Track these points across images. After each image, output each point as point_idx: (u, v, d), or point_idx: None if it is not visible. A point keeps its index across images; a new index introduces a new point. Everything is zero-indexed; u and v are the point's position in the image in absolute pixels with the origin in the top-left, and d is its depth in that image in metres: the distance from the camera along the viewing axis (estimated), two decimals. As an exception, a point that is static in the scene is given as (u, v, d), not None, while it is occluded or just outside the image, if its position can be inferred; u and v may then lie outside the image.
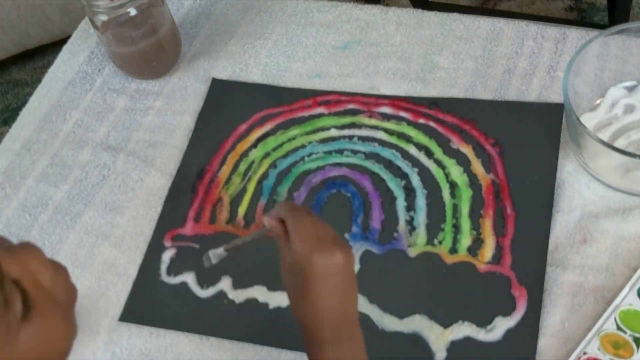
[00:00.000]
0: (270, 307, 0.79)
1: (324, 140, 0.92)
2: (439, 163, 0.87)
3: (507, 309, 0.75)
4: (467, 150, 0.87)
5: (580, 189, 0.82)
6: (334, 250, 0.58)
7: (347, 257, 0.58)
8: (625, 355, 0.69)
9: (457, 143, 0.88)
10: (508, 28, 0.98)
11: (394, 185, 0.86)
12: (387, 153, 0.89)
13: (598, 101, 0.86)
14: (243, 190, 0.89)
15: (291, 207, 0.62)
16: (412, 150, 0.89)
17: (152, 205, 0.90)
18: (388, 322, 0.76)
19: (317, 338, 0.59)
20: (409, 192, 0.85)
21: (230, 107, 0.97)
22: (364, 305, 0.77)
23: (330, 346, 0.59)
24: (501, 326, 0.74)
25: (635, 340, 0.70)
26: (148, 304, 0.82)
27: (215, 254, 0.67)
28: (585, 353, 0.70)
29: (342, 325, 0.59)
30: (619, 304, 0.72)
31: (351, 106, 0.94)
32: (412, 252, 0.80)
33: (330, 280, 0.58)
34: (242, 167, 0.91)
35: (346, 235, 0.83)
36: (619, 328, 0.71)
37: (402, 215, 0.84)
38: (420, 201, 0.84)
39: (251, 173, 0.90)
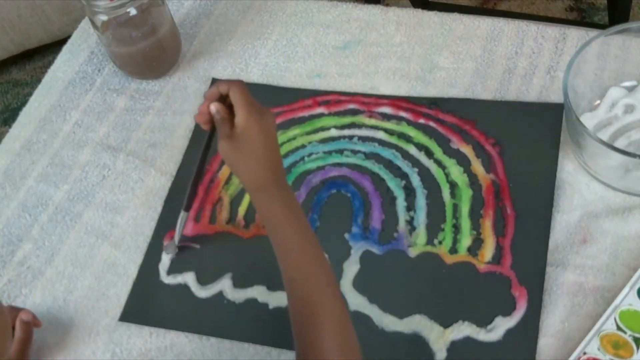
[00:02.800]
0: (270, 307, 0.79)
1: (324, 140, 0.92)
2: (439, 163, 0.87)
3: (507, 309, 0.75)
4: (467, 150, 0.87)
5: (580, 189, 0.82)
6: (267, 112, 0.71)
7: (274, 116, 0.72)
8: (625, 355, 0.69)
9: (457, 143, 0.88)
10: (508, 28, 0.98)
11: (394, 185, 0.86)
12: (387, 153, 0.89)
13: (598, 101, 0.86)
14: (243, 190, 0.89)
15: (229, 81, 0.71)
16: (412, 150, 0.89)
17: (152, 205, 0.90)
18: (388, 322, 0.76)
19: (264, 185, 0.70)
20: (409, 192, 0.85)
21: (230, 107, 0.97)
22: (364, 305, 0.77)
23: (276, 188, 0.70)
24: (501, 326, 0.74)
25: (635, 340, 0.70)
26: (148, 304, 0.82)
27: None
28: (585, 353, 0.70)
29: (280, 173, 0.72)
30: (619, 304, 0.72)
31: (351, 106, 0.94)
32: (412, 252, 0.80)
33: (268, 135, 0.71)
34: (242, 167, 0.91)
35: (346, 235, 0.83)
36: (618, 328, 0.71)
37: (402, 215, 0.84)
38: (420, 201, 0.84)
39: (251, 173, 0.90)
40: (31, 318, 0.77)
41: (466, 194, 0.84)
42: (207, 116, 0.71)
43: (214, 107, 0.70)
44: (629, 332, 0.70)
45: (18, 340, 0.75)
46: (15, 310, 0.77)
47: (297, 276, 0.68)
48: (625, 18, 1.41)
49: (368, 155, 0.89)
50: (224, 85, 0.71)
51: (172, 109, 0.99)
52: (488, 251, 0.79)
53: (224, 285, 0.81)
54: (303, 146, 0.92)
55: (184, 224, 0.83)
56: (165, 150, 0.95)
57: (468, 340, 0.74)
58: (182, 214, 0.82)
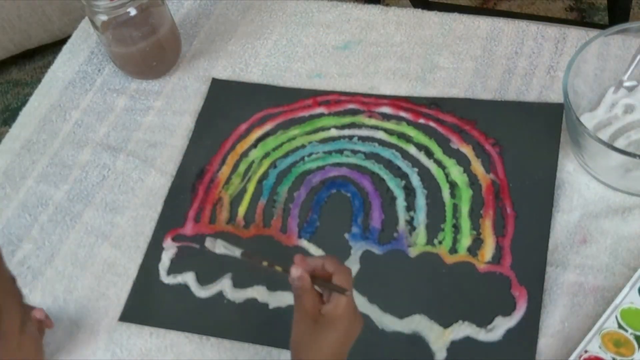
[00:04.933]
0: (270, 307, 0.79)
1: (324, 140, 0.92)
2: (439, 163, 0.87)
3: (507, 309, 0.75)
4: (467, 150, 0.87)
5: (580, 189, 0.82)
6: (359, 320, 0.66)
7: (362, 326, 0.66)
8: (627, 353, 0.69)
9: (457, 143, 0.88)
10: (508, 28, 0.98)
11: (394, 185, 0.86)
12: (387, 153, 0.89)
13: (598, 101, 0.86)
14: (243, 190, 0.89)
15: (339, 266, 0.66)
16: (412, 150, 0.89)
17: (152, 205, 0.90)
18: (388, 322, 0.76)
19: None
20: (409, 192, 0.85)
21: (230, 107, 0.97)
22: (364, 305, 0.77)
23: None
24: (501, 326, 0.74)
25: (637, 338, 0.70)
26: (148, 304, 0.82)
27: (225, 248, 0.71)
28: (586, 351, 0.70)
29: None
30: (620, 303, 0.72)
31: (351, 106, 0.94)
32: (412, 252, 0.80)
33: (349, 338, 0.65)
34: (242, 167, 0.91)
35: (346, 235, 0.83)
36: (620, 326, 0.71)
37: (402, 215, 0.83)
38: (420, 201, 0.84)
39: (251, 173, 0.90)
40: (44, 317, 0.76)
41: (466, 194, 0.84)
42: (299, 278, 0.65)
43: (296, 275, 0.64)
44: (630, 330, 0.70)
45: None
46: (29, 308, 0.76)
47: None
48: (625, 18, 1.41)
49: (368, 155, 0.89)
50: (331, 265, 0.65)
51: (172, 109, 0.99)
52: (488, 251, 0.79)
53: (224, 285, 0.81)
54: (303, 146, 0.92)
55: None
56: (165, 150, 0.95)
57: (468, 340, 0.74)
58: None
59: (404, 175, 0.87)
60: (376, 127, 0.92)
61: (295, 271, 0.64)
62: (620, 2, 1.41)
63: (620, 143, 0.82)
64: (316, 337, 0.64)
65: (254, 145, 0.93)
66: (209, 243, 0.71)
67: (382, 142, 0.90)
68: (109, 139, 0.98)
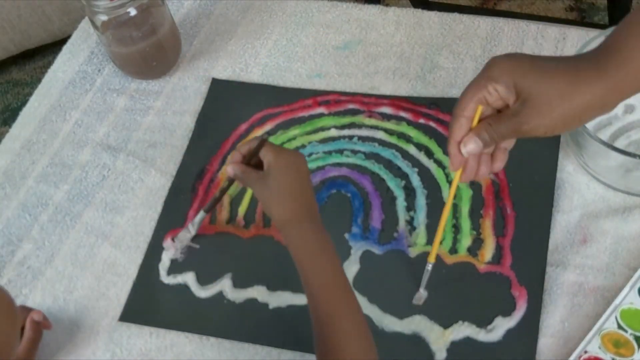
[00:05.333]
0: (270, 307, 0.79)
1: (324, 140, 0.92)
2: (439, 163, 0.87)
3: (507, 309, 0.75)
4: (467, 150, 0.87)
5: (580, 189, 0.82)
6: (294, 153, 0.75)
7: (304, 157, 0.75)
8: (626, 354, 0.69)
9: (457, 143, 0.88)
10: (508, 28, 0.98)
11: (394, 185, 0.86)
12: (387, 153, 0.89)
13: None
14: (243, 190, 0.89)
15: (249, 141, 0.76)
16: (412, 150, 0.89)
17: (152, 205, 0.90)
18: (388, 322, 0.76)
19: (294, 219, 0.71)
20: (409, 192, 0.85)
21: (230, 107, 0.97)
22: (364, 305, 0.77)
23: (306, 223, 0.71)
24: (501, 326, 0.74)
25: (636, 339, 0.70)
26: (148, 304, 0.82)
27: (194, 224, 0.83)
28: (586, 352, 0.70)
29: (311, 209, 0.72)
30: (620, 303, 0.72)
31: (351, 106, 0.94)
32: (412, 252, 0.80)
33: (298, 171, 0.73)
34: (242, 167, 0.91)
35: (346, 235, 0.83)
36: (619, 327, 0.71)
37: (402, 215, 0.83)
38: (420, 201, 0.84)
39: (251, 173, 0.90)
40: (42, 318, 0.77)
41: (466, 194, 0.84)
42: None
43: (230, 169, 0.75)
44: (630, 331, 0.70)
45: (27, 340, 0.75)
46: (27, 310, 0.78)
47: (323, 312, 0.66)
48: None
49: (368, 155, 0.89)
50: (244, 146, 0.76)
51: (172, 109, 0.99)
52: (488, 251, 0.79)
53: (224, 285, 0.81)
54: (303, 146, 0.92)
55: (199, 224, 0.83)
56: (165, 150, 0.95)
57: (468, 341, 0.74)
58: (202, 213, 0.82)
59: (404, 175, 0.87)
60: (376, 127, 0.92)
61: (230, 169, 0.75)
62: (620, 2, 1.41)
63: (620, 143, 0.82)
64: (270, 188, 0.72)
65: (254, 145, 0.93)
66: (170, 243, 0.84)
67: (382, 142, 0.90)
68: (109, 139, 0.98)
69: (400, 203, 0.85)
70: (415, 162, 0.88)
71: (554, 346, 0.72)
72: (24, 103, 1.05)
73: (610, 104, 0.61)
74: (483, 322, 0.74)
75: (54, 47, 1.63)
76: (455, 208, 0.83)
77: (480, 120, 0.64)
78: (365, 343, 0.65)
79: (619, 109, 0.84)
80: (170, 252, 0.84)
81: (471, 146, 0.64)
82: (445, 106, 0.91)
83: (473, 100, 0.63)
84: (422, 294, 0.76)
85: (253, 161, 0.75)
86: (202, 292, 0.81)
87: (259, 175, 0.73)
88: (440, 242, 0.80)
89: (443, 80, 0.94)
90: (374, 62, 0.98)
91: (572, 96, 0.59)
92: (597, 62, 0.60)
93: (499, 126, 0.63)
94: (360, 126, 0.92)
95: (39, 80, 1.07)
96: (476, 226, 0.81)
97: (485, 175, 0.68)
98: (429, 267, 0.75)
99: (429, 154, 0.88)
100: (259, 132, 0.94)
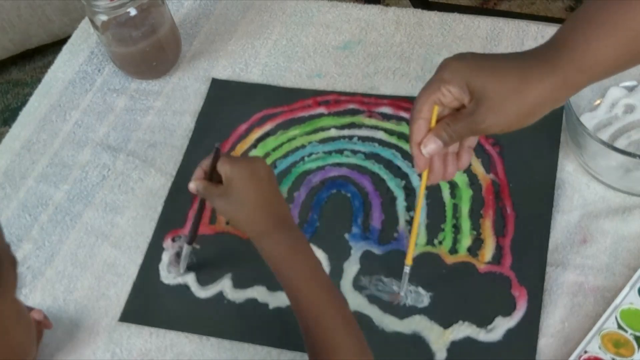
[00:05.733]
0: (270, 307, 0.79)
1: (324, 140, 0.92)
2: (439, 163, 0.87)
3: (507, 309, 0.75)
4: (467, 150, 0.87)
5: (580, 189, 0.82)
6: (255, 160, 0.74)
7: (264, 162, 0.73)
8: (626, 354, 0.69)
9: (457, 143, 0.88)
10: (508, 28, 0.98)
11: (394, 185, 0.86)
12: (387, 153, 0.89)
13: (598, 101, 0.86)
14: (243, 190, 0.89)
15: (204, 161, 0.74)
16: (412, 150, 0.89)
17: (152, 205, 0.90)
18: (388, 322, 0.76)
19: (264, 230, 0.69)
20: (409, 192, 0.85)
21: (230, 107, 0.97)
22: (364, 305, 0.77)
23: (277, 233, 0.69)
24: (501, 326, 0.74)
25: (636, 339, 0.70)
26: (148, 304, 0.82)
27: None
28: (586, 352, 0.70)
29: (281, 216, 0.70)
30: (620, 303, 0.72)
31: (351, 106, 0.94)
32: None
33: (259, 180, 0.71)
34: (242, 167, 0.91)
35: (346, 235, 0.83)
36: (619, 327, 0.71)
37: (402, 215, 0.83)
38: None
39: (251, 173, 0.90)
40: (42, 317, 0.77)
41: (466, 194, 0.84)
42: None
43: (192, 185, 0.73)
44: (630, 331, 0.70)
45: None
46: (27, 309, 0.77)
47: (308, 315, 0.66)
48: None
49: (368, 155, 0.89)
50: (205, 161, 0.73)
51: (172, 109, 0.99)
52: (488, 251, 0.79)
53: (224, 285, 0.81)
54: (303, 146, 0.92)
55: (188, 256, 0.82)
56: (165, 150, 0.95)
57: (468, 341, 0.74)
58: (186, 247, 0.80)
59: (404, 175, 0.87)
60: (376, 127, 0.92)
61: (192, 185, 0.73)
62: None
63: (620, 143, 0.82)
64: (232, 203, 0.70)
65: (254, 145, 0.93)
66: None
67: (382, 142, 0.90)
68: (109, 139, 0.98)
69: (400, 203, 0.85)
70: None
71: (554, 346, 0.72)
72: (24, 103, 1.05)
73: (561, 99, 0.62)
74: (483, 322, 0.74)
75: (54, 47, 1.63)
76: (455, 208, 0.83)
77: (438, 121, 0.65)
78: (355, 338, 0.65)
79: (619, 109, 0.84)
80: (172, 273, 0.83)
81: (431, 146, 0.65)
82: (445, 106, 0.91)
83: (428, 102, 0.64)
84: (400, 296, 0.76)
85: (215, 176, 0.73)
86: (202, 292, 0.81)
87: (220, 190, 0.71)
88: (440, 242, 0.81)
89: (443, 80, 0.94)
90: (374, 62, 0.98)
91: (524, 93, 0.60)
92: (546, 57, 0.61)
93: (456, 125, 0.64)
94: (360, 126, 0.92)
95: (39, 80, 1.07)
96: (476, 226, 0.81)
97: (453, 175, 0.69)
98: (407, 270, 0.74)
99: (429, 154, 0.88)
100: (259, 132, 0.94)
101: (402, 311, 0.76)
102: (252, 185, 0.70)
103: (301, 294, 0.67)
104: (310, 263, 0.69)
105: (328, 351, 0.64)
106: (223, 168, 0.71)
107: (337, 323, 0.65)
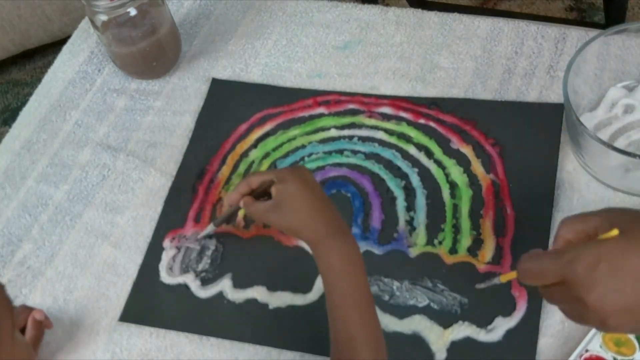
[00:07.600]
0: (270, 307, 0.79)
1: (324, 140, 0.92)
2: (439, 163, 0.87)
3: (507, 309, 0.75)
4: (467, 150, 0.87)
5: (580, 189, 0.82)
6: (299, 168, 0.75)
7: (307, 170, 0.74)
8: (628, 352, 0.69)
9: (457, 143, 0.88)
10: (508, 28, 0.98)
11: (394, 185, 0.86)
12: (387, 153, 0.89)
13: (598, 101, 0.86)
14: (243, 190, 0.89)
15: (256, 176, 0.76)
16: (412, 150, 0.89)
17: (152, 205, 0.90)
18: (388, 322, 0.76)
19: (321, 237, 0.69)
20: (409, 192, 0.85)
21: (230, 107, 0.97)
22: (364, 305, 0.77)
23: (331, 240, 0.69)
24: (501, 326, 0.74)
25: (637, 337, 0.70)
26: (148, 304, 0.82)
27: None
28: (587, 350, 0.70)
29: (335, 222, 0.70)
30: (620, 304, 0.72)
31: (351, 106, 0.94)
32: (413, 253, 0.80)
33: (308, 186, 0.72)
34: (242, 168, 0.91)
35: (346, 235, 0.83)
36: (619, 327, 0.71)
37: (402, 216, 0.83)
38: (420, 201, 0.84)
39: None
40: (43, 318, 0.77)
41: (466, 194, 0.84)
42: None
43: (236, 199, 0.76)
44: (630, 331, 0.71)
45: (30, 339, 0.76)
46: (28, 310, 0.77)
47: (344, 334, 0.65)
48: (622, 15, 1.41)
49: (368, 156, 0.89)
50: (254, 178, 0.75)
51: (172, 109, 0.99)
52: (488, 251, 0.79)
53: (224, 285, 0.81)
54: (303, 146, 0.92)
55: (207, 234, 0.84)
56: (165, 150, 0.95)
57: (468, 341, 0.74)
58: (211, 226, 0.83)
59: (404, 176, 0.87)
60: (376, 127, 0.92)
61: (227, 199, 0.77)
62: (616, 2, 1.41)
63: (620, 143, 0.82)
64: (289, 212, 0.71)
65: (254, 145, 0.93)
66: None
67: (382, 142, 0.90)
68: (109, 139, 0.98)
69: (400, 203, 0.85)
70: (415, 162, 0.88)
71: (554, 346, 0.72)
72: (24, 103, 1.05)
73: None
74: (483, 322, 0.74)
75: (54, 47, 1.63)
76: (455, 208, 0.83)
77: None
78: None
79: (619, 109, 0.84)
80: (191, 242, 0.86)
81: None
82: (445, 106, 0.91)
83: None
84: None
85: (255, 193, 0.75)
86: (202, 292, 0.81)
87: (268, 205, 0.72)
88: (441, 242, 0.81)
89: (443, 80, 0.94)
90: (374, 62, 0.98)
91: None
92: None
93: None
94: (360, 126, 0.92)
95: (39, 80, 1.07)
96: (476, 226, 0.81)
97: None
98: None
99: (429, 154, 0.88)
100: (259, 132, 0.94)
101: (402, 311, 0.76)
102: (306, 192, 0.71)
103: (340, 310, 0.66)
104: (356, 279, 0.67)
105: None
106: (270, 181, 0.73)
107: (370, 348, 0.65)
